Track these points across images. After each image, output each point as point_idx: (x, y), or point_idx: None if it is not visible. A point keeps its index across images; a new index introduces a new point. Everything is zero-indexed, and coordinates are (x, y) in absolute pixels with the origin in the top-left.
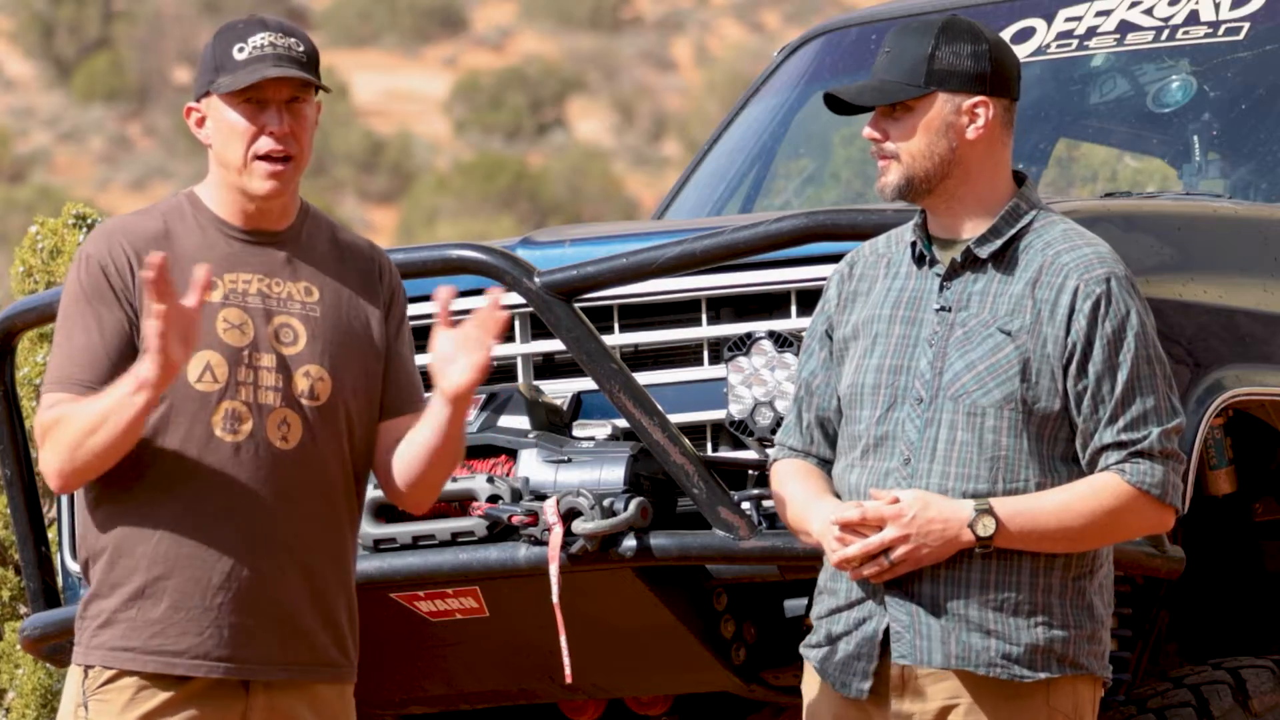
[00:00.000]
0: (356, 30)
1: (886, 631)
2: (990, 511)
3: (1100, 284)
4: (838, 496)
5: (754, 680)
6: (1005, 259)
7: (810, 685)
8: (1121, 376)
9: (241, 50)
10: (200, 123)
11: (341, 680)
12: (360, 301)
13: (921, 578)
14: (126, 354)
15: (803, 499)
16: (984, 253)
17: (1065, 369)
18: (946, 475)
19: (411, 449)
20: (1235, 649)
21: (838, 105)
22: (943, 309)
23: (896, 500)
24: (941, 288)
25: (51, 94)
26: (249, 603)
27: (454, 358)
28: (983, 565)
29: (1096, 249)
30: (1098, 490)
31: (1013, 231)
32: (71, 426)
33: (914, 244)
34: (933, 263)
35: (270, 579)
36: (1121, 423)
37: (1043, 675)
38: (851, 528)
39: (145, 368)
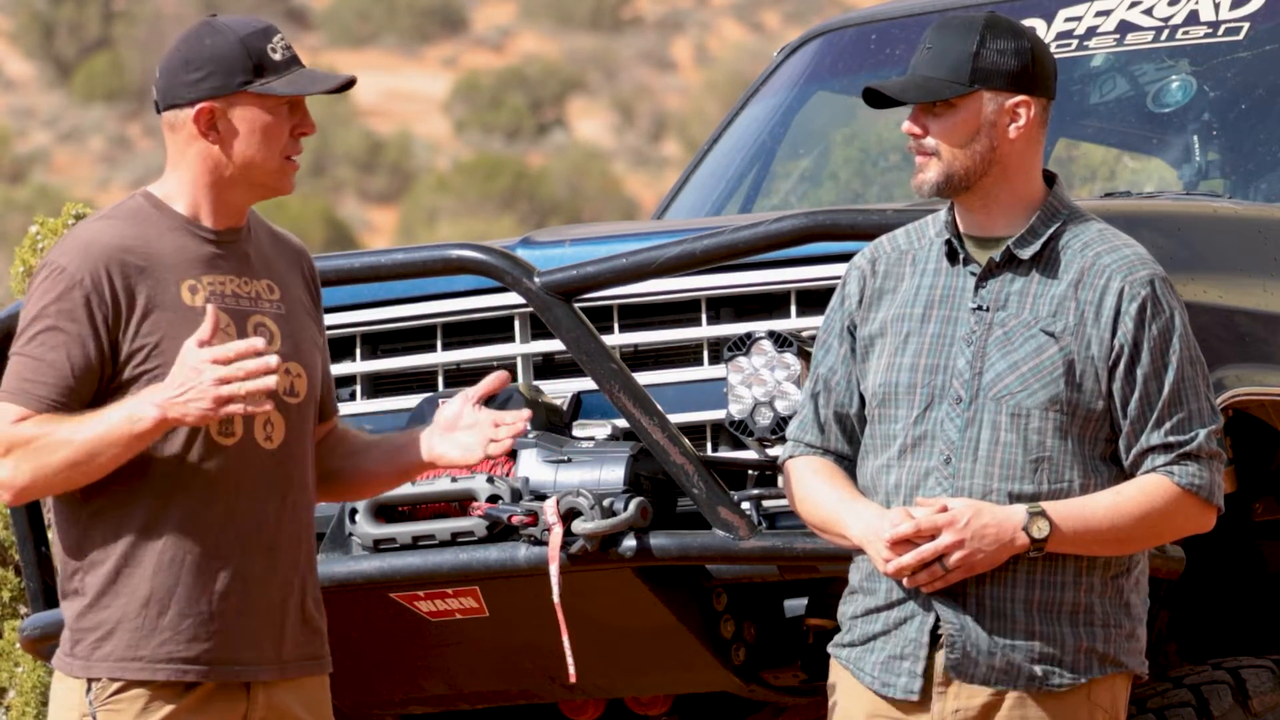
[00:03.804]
0: (356, 30)
1: (931, 633)
2: (1044, 514)
3: (1145, 286)
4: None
5: (754, 680)
6: (1044, 259)
7: (841, 684)
8: (1169, 379)
9: (274, 51)
10: (211, 121)
11: (324, 671)
12: (304, 295)
13: (968, 581)
14: (89, 380)
15: (835, 500)
16: (1025, 253)
17: (1111, 371)
18: (990, 476)
19: (369, 465)
20: (1235, 649)
21: (875, 99)
22: (979, 308)
23: (945, 508)
24: (977, 287)
25: (51, 94)
26: (251, 604)
27: (467, 433)
28: (1029, 567)
29: (1135, 250)
30: (1148, 492)
31: (1050, 232)
32: (53, 454)
33: (949, 241)
34: (967, 261)
35: (267, 579)
36: (1169, 425)
37: (1084, 680)
38: (905, 539)
39: (175, 412)
